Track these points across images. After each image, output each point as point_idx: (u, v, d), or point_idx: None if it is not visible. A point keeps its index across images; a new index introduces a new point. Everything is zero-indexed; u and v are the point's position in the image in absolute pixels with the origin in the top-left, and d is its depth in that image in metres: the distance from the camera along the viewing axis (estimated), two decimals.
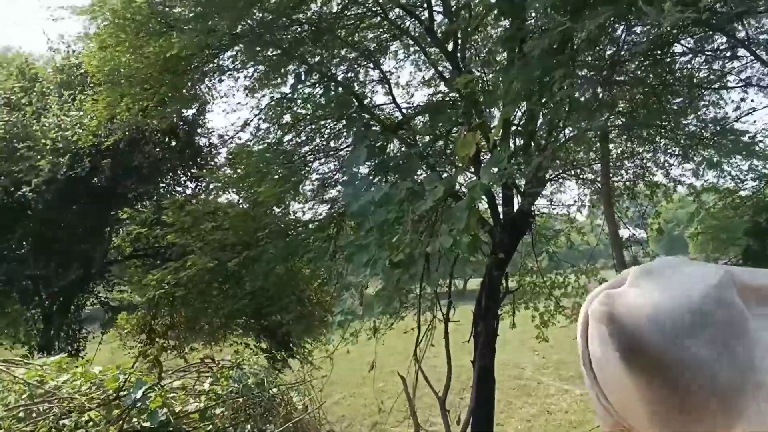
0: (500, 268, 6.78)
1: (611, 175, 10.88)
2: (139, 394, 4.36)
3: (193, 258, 8.22)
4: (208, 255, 8.24)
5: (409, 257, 4.94)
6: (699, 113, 10.17)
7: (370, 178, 6.02)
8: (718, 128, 9.99)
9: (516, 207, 7.82)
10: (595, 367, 1.04)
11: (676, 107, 9.66)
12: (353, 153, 5.83)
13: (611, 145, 10.47)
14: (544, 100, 5.21)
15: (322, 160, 9.42)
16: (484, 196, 7.49)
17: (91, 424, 4.08)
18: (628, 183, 10.90)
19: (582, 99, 5.06)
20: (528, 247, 10.54)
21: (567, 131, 6.65)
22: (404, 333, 6.45)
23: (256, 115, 9.91)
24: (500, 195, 8.09)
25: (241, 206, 9.65)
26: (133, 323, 14.30)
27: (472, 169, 7.09)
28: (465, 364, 8.73)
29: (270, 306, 10.42)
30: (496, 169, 4.93)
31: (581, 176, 10.65)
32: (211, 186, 10.65)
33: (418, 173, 6.85)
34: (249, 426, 4.61)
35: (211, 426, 4.60)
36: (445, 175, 6.93)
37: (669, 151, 10.76)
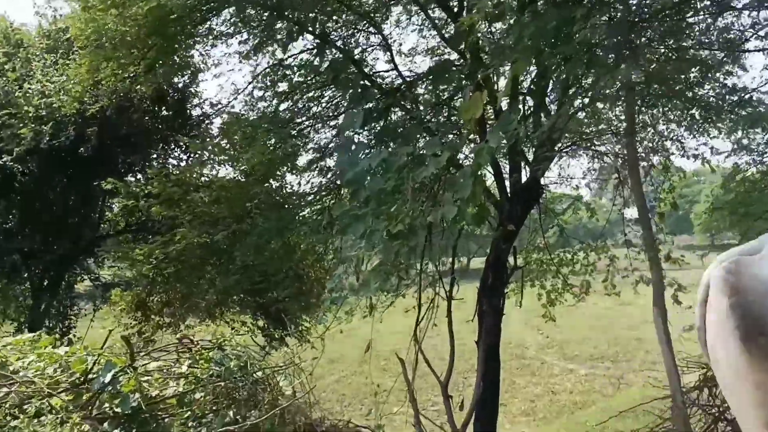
0: (508, 242, 6.32)
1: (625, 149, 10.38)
2: (109, 377, 3.93)
3: (183, 231, 7.78)
4: (198, 229, 7.79)
5: (409, 228, 4.48)
6: (717, 83, 9.66)
7: (369, 145, 5.54)
8: (736, 98, 9.51)
9: (524, 178, 7.39)
10: (708, 346, 0.86)
11: (693, 76, 9.18)
12: (348, 116, 5.32)
13: (621, 117, 9.98)
14: (558, 56, 4.70)
15: (320, 129, 8.93)
16: (490, 167, 7.01)
17: (54, 410, 3.65)
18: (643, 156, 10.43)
19: (600, 54, 4.55)
20: (535, 222, 10.08)
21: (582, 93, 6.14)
22: (405, 312, 5.99)
23: (249, 83, 9.41)
24: (507, 166, 7.63)
25: (235, 178, 9.19)
26: (128, 300, 13.95)
27: (477, 139, 6.63)
28: (468, 343, 8.32)
29: (265, 282, 10.00)
30: (505, 132, 4.45)
31: (594, 148, 10.14)
32: (206, 156, 10.15)
33: (419, 141, 6.36)
34: (231, 412, 4.18)
35: (189, 412, 4.17)
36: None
37: (684, 123, 10.25)
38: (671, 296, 9.79)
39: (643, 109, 9.72)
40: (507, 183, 7.48)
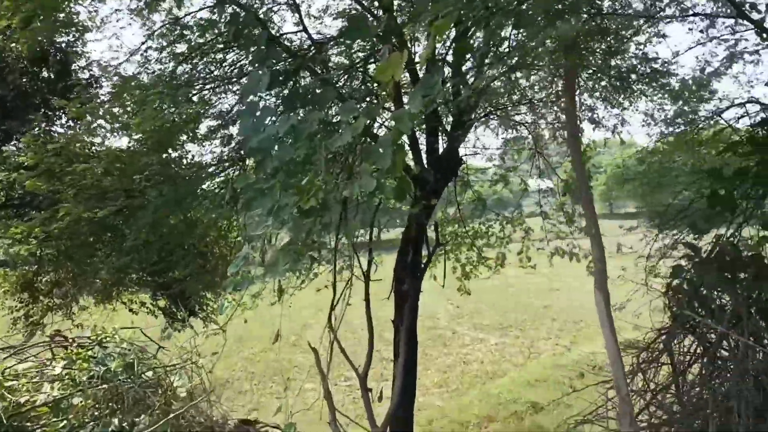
0: (427, 216, 5.93)
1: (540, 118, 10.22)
2: None
3: (67, 207, 6.91)
4: (84, 204, 6.95)
5: (323, 203, 3.98)
6: (630, 54, 9.61)
7: (276, 111, 4.94)
8: (648, 69, 9.50)
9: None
10: None
11: (607, 44, 9.05)
12: (252, 77, 4.71)
13: (536, 88, 9.78)
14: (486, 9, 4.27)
15: (221, 94, 8.20)
16: (406, 137, 6.57)
17: None
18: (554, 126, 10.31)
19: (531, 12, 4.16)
20: (450, 194, 9.79)
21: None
22: (318, 291, 5.50)
23: (142, 42, 8.50)
24: (422, 136, 7.24)
25: (130, 147, 8.31)
26: (12, 281, 12.80)
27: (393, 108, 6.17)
28: (381, 316, 7.96)
29: (164, 261, 9.22)
30: (426, 96, 4.00)
31: (511, 117, 9.91)
32: (95, 124, 9.14)
33: (332, 107, 5.81)
34: (116, 420, 3.57)
35: (65, 421, 3.53)
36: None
37: (597, 93, 10.18)
38: (587, 268, 9.85)
39: (555, 79, 9.56)
40: (423, 154, 7.08)
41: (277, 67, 5.03)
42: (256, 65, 4.95)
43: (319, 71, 6.47)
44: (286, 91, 5.21)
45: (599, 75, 9.59)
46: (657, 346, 4.50)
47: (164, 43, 8.47)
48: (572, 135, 3.73)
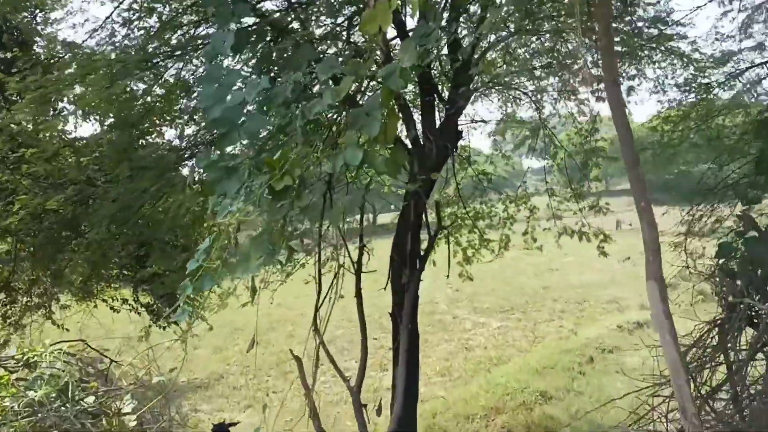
0: (426, 195, 5.22)
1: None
2: None
3: (23, 198, 6.16)
4: (43, 195, 6.22)
5: (300, 182, 3.26)
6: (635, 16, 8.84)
7: (246, 75, 4.19)
8: (655, 31, 8.75)
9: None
10: None
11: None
12: (215, 37, 3.96)
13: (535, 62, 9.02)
14: None
15: (194, 70, 7.45)
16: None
17: None
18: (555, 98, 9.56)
19: None
20: (447, 172, 9.07)
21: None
22: (305, 283, 4.77)
23: (107, 18, 7.72)
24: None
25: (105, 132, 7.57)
26: None
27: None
28: (378, 304, 7.23)
29: (140, 255, 8.56)
30: (423, 45, 3.28)
31: (514, 87, 9.17)
32: (59, 106, 8.35)
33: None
34: None
35: None
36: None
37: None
38: (597, 248, 9.18)
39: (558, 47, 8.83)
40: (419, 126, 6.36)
41: (246, 25, 4.28)
42: (219, 25, 4.20)
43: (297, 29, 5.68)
44: (258, 55, 4.45)
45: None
46: (708, 341, 3.79)
47: (133, 17, 7.71)
48: (611, 82, 3.00)
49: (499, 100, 10.12)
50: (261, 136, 3.65)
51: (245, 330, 20.14)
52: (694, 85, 9.33)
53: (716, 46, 9.11)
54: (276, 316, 20.96)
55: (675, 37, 8.97)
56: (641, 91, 9.89)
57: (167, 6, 7.28)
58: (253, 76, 3.89)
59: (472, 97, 8.86)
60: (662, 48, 9.08)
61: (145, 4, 7.56)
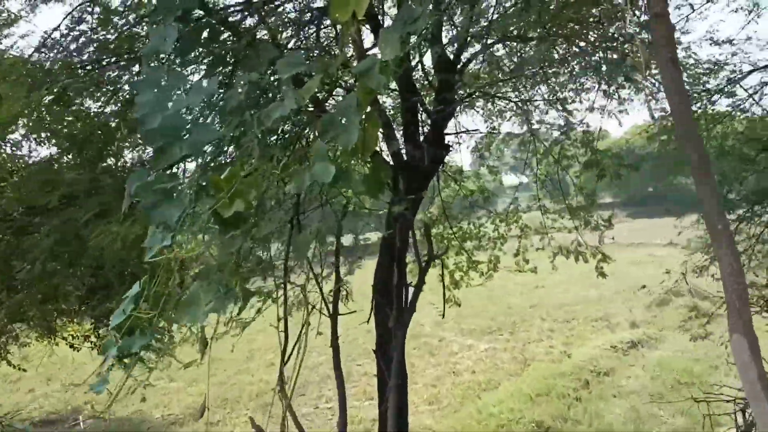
0: (412, 216, 4.52)
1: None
2: None
3: None
4: None
5: (258, 207, 2.56)
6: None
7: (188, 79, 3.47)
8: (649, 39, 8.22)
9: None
10: None
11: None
12: (155, 34, 3.23)
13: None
14: None
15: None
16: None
17: None
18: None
19: None
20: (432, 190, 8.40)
21: None
22: (270, 326, 4.03)
23: (55, 29, 7.02)
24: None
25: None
26: None
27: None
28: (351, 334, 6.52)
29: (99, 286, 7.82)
30: (408, 33, 2.61)
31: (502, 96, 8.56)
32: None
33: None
34: None
35: None
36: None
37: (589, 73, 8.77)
38: (595, 268, 8.53)
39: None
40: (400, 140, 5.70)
41: (188, 19, 3.57)
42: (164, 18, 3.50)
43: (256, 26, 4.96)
44: (211, 57, 3.74)
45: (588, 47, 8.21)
46: None
47: (85, 29, 7.02)
48: (668, 59, 2.37)
49: (484, 113, 9.54)
50: (209, 150, 2.93)
51: (224, 360, 19.18)
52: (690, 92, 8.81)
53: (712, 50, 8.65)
54: (257, 344, 20.13)
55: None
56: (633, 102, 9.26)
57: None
58: (200, 79, 3.19)
59: (457, 109, 8.27)
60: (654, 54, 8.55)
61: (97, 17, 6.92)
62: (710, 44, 8.40)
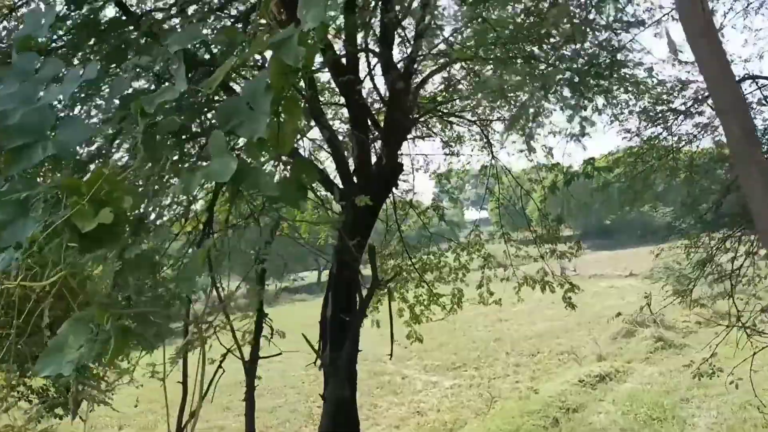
0: (362, 239, 3.90)
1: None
2: None
3: None
4: None
5: (139, 223, 1.91)
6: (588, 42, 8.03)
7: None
8: (609, 58, 7.93)
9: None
10: None
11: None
12: (29, 14, 2.56)
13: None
14: None
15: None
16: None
17: None
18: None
19: None
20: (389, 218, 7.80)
21: None
22: (178, 382, 3.28)
23: None
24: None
25: None
26: None
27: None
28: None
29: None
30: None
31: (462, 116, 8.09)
32: None
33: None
34: None
35: None
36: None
37: (552, 94, 8.39)
38: (563, 298, 8.00)
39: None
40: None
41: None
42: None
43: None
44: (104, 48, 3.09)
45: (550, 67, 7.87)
46: None
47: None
48: (697, 35, 1.84)
49: (443, 137, 9.06)
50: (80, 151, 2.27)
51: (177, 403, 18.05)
52: (652, 113, 8.49)
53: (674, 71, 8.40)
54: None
55: (629, 63, 8.22)
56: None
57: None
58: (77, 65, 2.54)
59: (413, 133, 7.78)
60: (614, 75, 8.24)
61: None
62: (673, 65, 8.15)
